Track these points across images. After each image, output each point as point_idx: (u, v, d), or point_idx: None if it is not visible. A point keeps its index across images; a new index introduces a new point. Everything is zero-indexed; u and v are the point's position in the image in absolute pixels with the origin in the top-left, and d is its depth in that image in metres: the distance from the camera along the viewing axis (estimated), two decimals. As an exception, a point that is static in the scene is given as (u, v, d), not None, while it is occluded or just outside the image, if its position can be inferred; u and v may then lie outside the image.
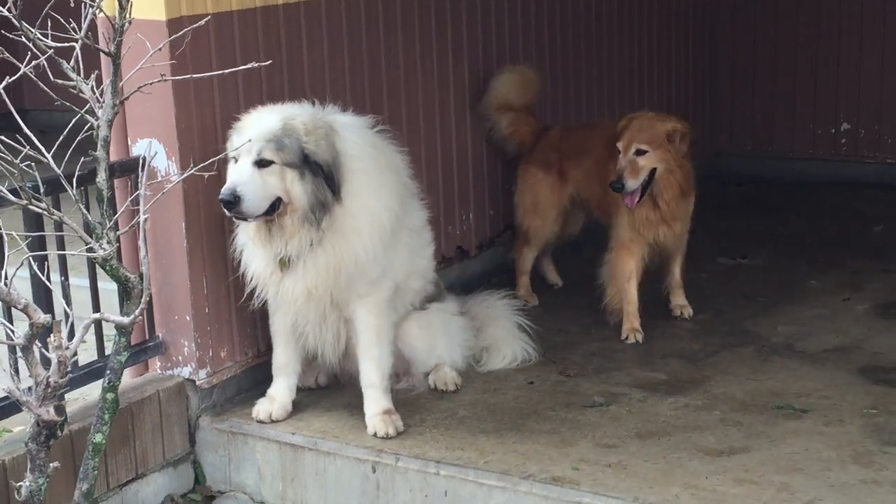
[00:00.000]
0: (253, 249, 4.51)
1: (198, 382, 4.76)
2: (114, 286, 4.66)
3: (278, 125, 4.33)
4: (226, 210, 4.28)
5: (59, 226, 4.11)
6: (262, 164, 4.29)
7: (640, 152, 5.29)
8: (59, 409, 3.08)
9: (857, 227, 7.37)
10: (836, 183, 8.23)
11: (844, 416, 4.61)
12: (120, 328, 3.33)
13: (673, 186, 5.41)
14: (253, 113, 4.44)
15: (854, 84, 8.29)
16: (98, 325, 4.64)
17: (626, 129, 5.39)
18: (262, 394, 4.82)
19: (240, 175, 4.27)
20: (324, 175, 4.34)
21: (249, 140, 4.24)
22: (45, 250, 4.23)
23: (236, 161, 4.31)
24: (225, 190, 4.24)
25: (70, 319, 3.29)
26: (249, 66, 3.74)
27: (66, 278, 4.41)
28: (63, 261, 4.36)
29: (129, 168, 4.54)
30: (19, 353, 2.98)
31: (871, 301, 5.96)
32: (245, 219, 4.33)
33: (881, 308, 5.86)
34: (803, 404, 4.73)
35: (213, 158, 4.12)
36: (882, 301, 5.95)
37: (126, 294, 3.39)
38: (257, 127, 4.32)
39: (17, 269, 2.90)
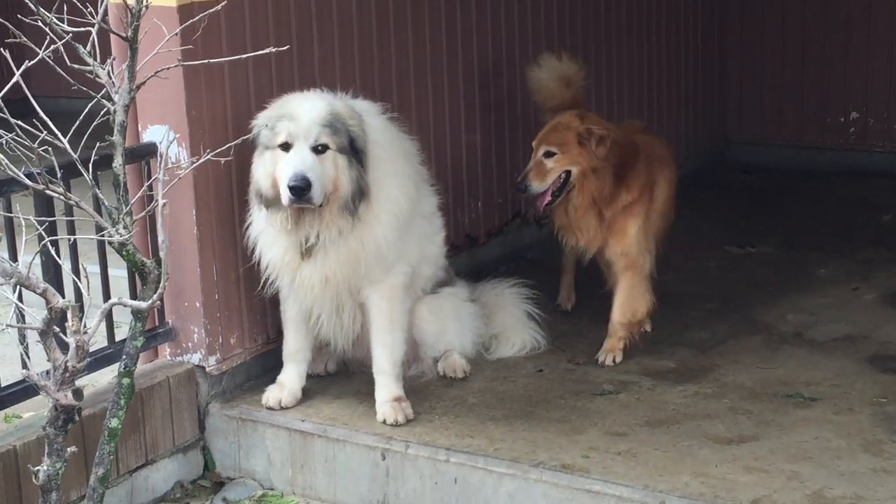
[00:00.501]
0: (271, 237, 4.47)
1: (207, 369, 4.77)
2: (123, 272, 4.69)
3: (327, 110, 4.30)
4: (293, 197, 4.19)
5: (69, 211, 4.12)
6: (318, 150, 4.26)
7: (548, 154, 5.03)
8: (77, 394, 3.08)
9: (866, 215, 7.35)
10: (845, 172, 8.21)
11: (854, 404, 4.61)
12: (136, 313, 3.33)
13: (584, 194, 5.04)
14: (291, 98, 4.39)
15: (863, 72, 8.27)
16: (108, 311, 4.64)
17: (542, 129, 5.21)
18: (272, 380, 4.82)
19: (303, 161, 4.21)
20: (360, 162, 4.34)
21: (280, 125, 4.25)
22: (56, 236, 4.24)
23: (286, 148, 4.25)
24: (293, 177, 4.17)
25: (88, 305, 3.29)
26: (266, 51, 3.73)
27: (77, 263, 4.41)
28: (74, 248, 4.36)
29: (139, 154, 4.55)
30: (37, 339, 2.98)
31: (880, 290, 5.95)
32: (309, 206, 4.25)
33: (890, 297, 5.85)
34: (813, 393, 4.73)
35: (236, 142, 4.06)
36: (891, 290, 5.94)
37: (142, 279, 3.39)
38: (310, 112, 4.28)
39: (37, 252, 2.91)
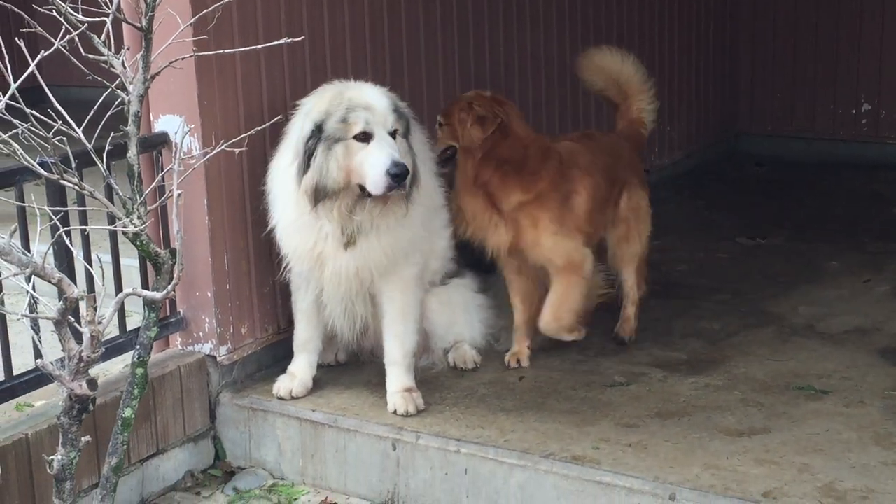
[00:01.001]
0: (305, 226, 4.40)
1: (218, 359, 4.77)
2: (135, 262, 4.70)
3: (389, 96, 4.36)
4: (392, 184, 4.19)
5: (81, 200, 4.12)
6: (392, 136, 4.28)
7: (440, 124, 4.92)
8: (92, 384, 3.09)
9: (878, 208, 7.35)
10: (857, 164, 8.21)
11: (865, 397, 4.60)
12: (150, 303, 3.33)
13: (462, 174, 4.83)
14: (348, 89, 4.37)
15: (875, 64, 8.25)
16: (122, 301, 4.65)
17: None
18: (283, 370, 4.83)
19: (394, 147, 4.23)
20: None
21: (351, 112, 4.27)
22: (69, 225, 4.25)
23: (363, 138, 4.23)
24: (393, 164, 4.17)
25: (101, 295, 3.29)
26: (279, 42, 3.72)
27: (89, 252, 4.42)
28: (86, 238, 4.36)
29: (151, 144, 4.55)
30: (49, 328, 2.99)
31: (892, 282, 5.94)
32: (402, 191, 4.26)
33: (902, 290, 5.85)
34: (824, 385, 4.72)
35: (250, 132, 4.03)
36: (903, 283, 5.94)
37: (156, 269, 3.39)
38: (381, 100, 4.31)
39: (53, 242, 2.91)
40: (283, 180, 4.45)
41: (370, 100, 4.30)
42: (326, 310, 4.69)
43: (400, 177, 4.19)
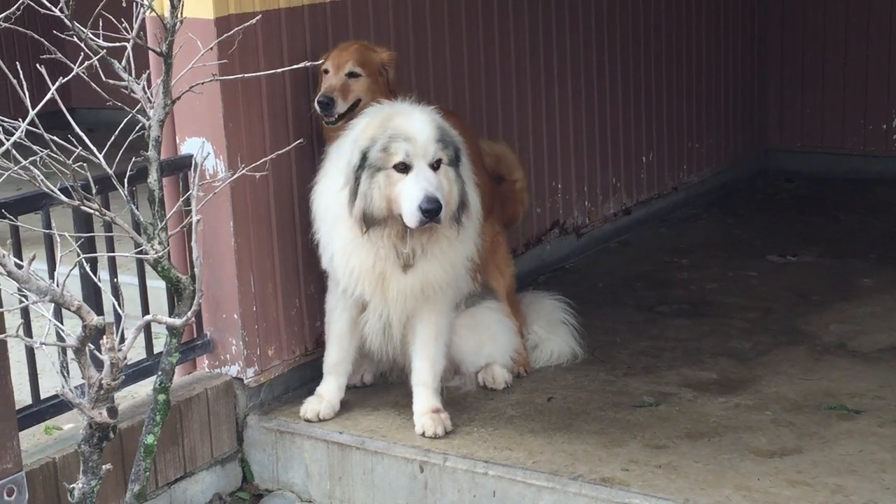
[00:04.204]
0: (360, 247, 4.38)
1: (245, 381, 4.77)
2: (162, 284, 4.69)
3: (435, 124, 4.29)
4: (424, 219, 4.16)
5: (108, 225, 4.13)
6: (434, 167, 4.25)
7: (353, 75, 4.69)
8: (112, 412, 3.08)
9: (910, 224, 7.27)
10: (887, 179, 8.13)
11: (899, 416, 4.55)
12: (171, 329, 3.33)
13: None
14: (394, 115, 4.32)
15: (906, 79, 8.18)
16: (143, 327, 4.65)
17: (334, 51, 4.78)
18: (310, 392, 4.81)
19: (430, 182, 4.18)
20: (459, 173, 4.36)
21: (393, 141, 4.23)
22: (95, 250, 4.26)
23: (402, 169, 4.20)
24: (425, 199, 4.14)
25: (123, 320, 3.29)
26: (303, 65, 3.72)
27: (116, 278, 4.42)
28: (112, 261, 4.37)
29: (177, 167, 4.56)
30: (71, 355, 2.98)
31: (926, 300, 5.88)
32: (437, 224, 4.25)
33: (935, 307, 5.78)
34: (857, 405, 4.66)
35: (272, 156, 4.03)
36: (936, 299, 5.87)
37: (177, 295, 3.39)
38: (424, 130, 4.25)
39: (72, 269, 2.91)
40: (337, 203, 4.42)
41: (413, 129, 4.25)
42: (364, 330, 4.66)
43: (431, 212, 4.16)
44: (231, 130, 4.54)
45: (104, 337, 2.94)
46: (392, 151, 4.22)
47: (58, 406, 4.21)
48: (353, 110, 4.66)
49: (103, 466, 3.17)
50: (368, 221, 4.28)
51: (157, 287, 4.76)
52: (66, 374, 3.29)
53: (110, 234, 4.00)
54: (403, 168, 4.22)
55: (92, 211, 3.06)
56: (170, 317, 3.36)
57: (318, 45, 4.88)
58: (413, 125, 4.27)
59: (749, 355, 5.26)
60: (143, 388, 4.77)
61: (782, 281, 6.31)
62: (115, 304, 3.12)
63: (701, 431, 4.49)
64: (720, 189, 8.14)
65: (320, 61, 4.67)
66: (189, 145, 4.60)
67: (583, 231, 6.79)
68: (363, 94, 4.69)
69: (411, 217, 4.19)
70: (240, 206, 4.63)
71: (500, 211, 5.21)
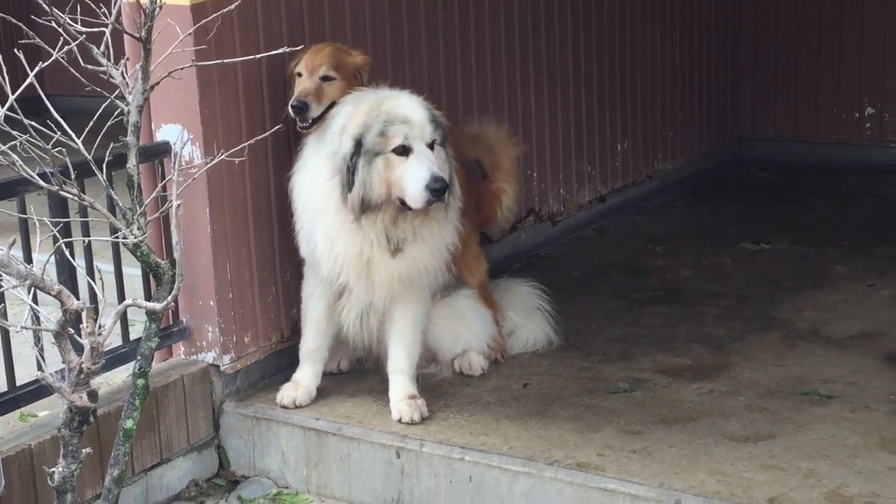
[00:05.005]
0: (349, 234, 4.38)
1: (222, 367, 4.77)
2: (138, 271, 4.69)
3: (425, 106, 4.32)
4: (432, 198, 4.18)
5: (84, 211, 4.12)
6: (430, 147, 4.27)
7: (327, 78, 4.61)
8: (92, 395, 3.08)
9: (882, 212, 7.32)
10: (860, 168, 8.18)
11: (871, 402, 4.59)
12: (151, 314, 3.33)
13: None
14: (385, 100, 4.33)
15: (878, 67, 8.23)
16: (122, 312, 4.64)
17: (307, 53, 4.66)
18: (286, 379, 4.82)
19: (433, 161, 4.22)
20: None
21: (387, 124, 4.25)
22: (70, 236, 4.24)
23: (402, 151, 4.21)
24: (432, 179, 4.16)
25: (102, 305, 3.29)
26: (280, 51, 3.72)
27: (91, 263, 4.41)
28: (89, 247, 4.36)
29: (152, 153, 4.55)
30: (52, 340, 2.98)
31: (897, 287, 5.93)
32: (442, 203, 4.28)
33: (906, 294, 5.83)
34: (829, 390, 4.71)
35: (250, 142, 4.04)
36: (907, 287, 5.92)
37: (157, 280, 3.39)
38: (418, 112, 4.28)
39: (52, 254, 2.91)
40: (321, 193, 4.43)
41: (408, 112, 4.27)
42: (342, 317, 4.67)
43: (440, 191, 4.19)
44: (207, 117, 4.53)
45: (84, 321, 2.94)
46: (390, 135, 4.23)
47: (33, 392, 4.20)
48: (327, 113, 4.61)
49: (83, 450, 3.18)
50: (365, 208, 4.29)
51: (131, 274, 4.76)
52: (43, 358, 3.28)
53: (88, 219, 3.99)
54: (403, 151, 4.24)
55: (71, 196, 3.06)
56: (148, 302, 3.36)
57: (295, 33, 4.87)
58: (407, 108, 4.29)
59: (723, 342, 5.30)
60: (119, 375, 4.76)
61: (755, 268, 6.35)
62: (96, 288, 3.11)
63: (675, 417, 4.53)
64: (694, 177, 8.18)
65: (293, 62, 4.66)
66: (165, 132, 4.58)
67: (558, 218, 6.82)
68: (337, 98, 4.61)
69: (418, 197, 4.20)
70: (216, 194, 4.62)
71: (473, 211, 5.20)
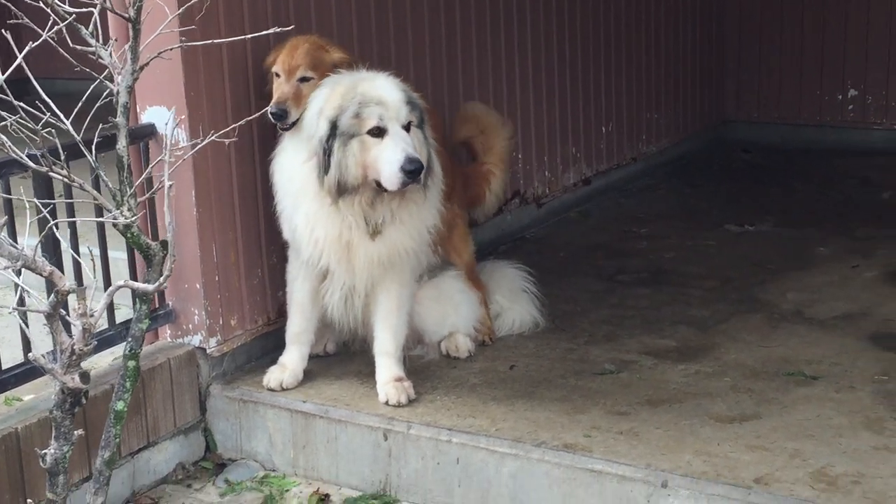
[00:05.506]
0: (327, 216, 4.37)
1: (208, 350, 4.76)
2: (123, 254, 4.68)
3: (401, 87, 4.31)
4: (407, 180, 4.16)
5: (68, 193, 4.10)
6: (406, 129, 4.25)
7: (305, 79, 4.54)
8: (84, 377, 3.08)
9: (865, 193, 7.36)
10: (844, 150, 8.22)
11: (855, 382, 4.61)
12: (142, 296, 3.32)
13: None
14: (360, 82, 4.31)
15: (861, 50, 8.26)
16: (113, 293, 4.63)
17: (283, 52, 4.59)
18: (273, 362, 4.82)
19: (408, 143, 4.20)
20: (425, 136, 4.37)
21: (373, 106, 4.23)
22: (56, 218, 4.22)
23: (377, 133, 4.20)
24: (407, 160, 4.15)
25: (93, 288, 3.28)
26: (266, 32, 3.70)
27: (77, 245, 4.40)
28: (74, 230, 4.34)
29: (138, 135, 4.53)
30: (44, 322, 2.97)
31: (880, 268, 5.95)
32: (417, 185, 4.26)
33: (890, 275, 5.85)
34: (814, 371, 4.73)
35: (239, 123, 4.02)
36: (891, 268, 5.94)
37: (147, 261, 3.38)
38: (393, 93, 4.26)
39: (43, 234, 2.89)
40: (300, 175, 4.42)
41: (383, 93, 4.26)
42: (345, 299, 4.66)
43: (414, 172, 4.18)
44: (192, 99, 4.52)
45: (75, 302, 2.93)
46: (365, 116, 4.22)
47: (19, 376, 4.18)
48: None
49: (75, 432, 3.17)
50: (342, 190, 4.28)
51: (117, 258, 4.74)
52: (30, 340, 3.27)
53: (73, 200, 3.97)
54: (378, 132, 4.22)
55: (61, 177, 3.04)
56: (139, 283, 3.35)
57: (280, 14, 4.85)
58: (382, 89, 4.27)
59: (708, 323, 5.32)
60: (105, 359, 4.75)
61: (740, 250, 6.38)
62: (88, 270, 3.10)
63: (661, 398, 4.54)
64: (678, 159, 8.20)
65: (270, 58, 4.61)
66: (150, 114, 4.57)
67: (543, 201, 6.83)
68: None
69: (393, 179, 4.19)
70: (201, 176, 4.61)
71: (461, 192, 5.20)
